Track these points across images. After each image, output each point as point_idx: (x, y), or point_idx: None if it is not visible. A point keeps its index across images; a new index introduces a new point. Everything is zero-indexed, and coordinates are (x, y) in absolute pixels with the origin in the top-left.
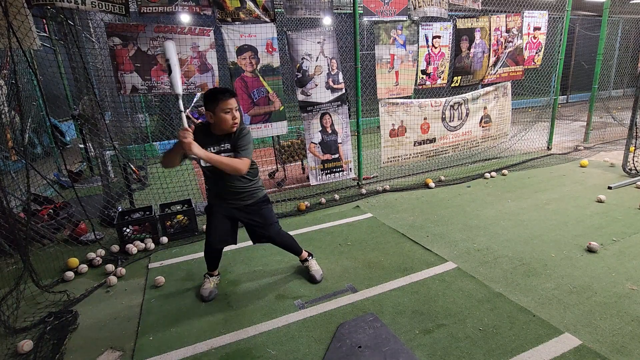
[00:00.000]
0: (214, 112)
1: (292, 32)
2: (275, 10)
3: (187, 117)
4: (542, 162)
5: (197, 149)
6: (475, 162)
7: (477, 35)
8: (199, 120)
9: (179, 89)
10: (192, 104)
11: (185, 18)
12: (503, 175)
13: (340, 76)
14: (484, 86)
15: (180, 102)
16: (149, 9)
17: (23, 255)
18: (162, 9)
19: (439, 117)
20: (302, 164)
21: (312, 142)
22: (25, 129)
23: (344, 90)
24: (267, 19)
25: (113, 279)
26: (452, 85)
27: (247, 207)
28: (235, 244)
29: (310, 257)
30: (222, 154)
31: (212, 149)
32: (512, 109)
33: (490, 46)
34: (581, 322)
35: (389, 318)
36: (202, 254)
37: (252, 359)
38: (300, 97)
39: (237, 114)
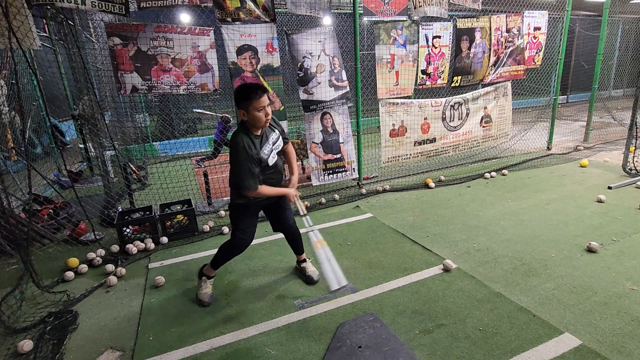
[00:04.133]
0: (247, 110)
1: (293, 32)
2: (275, 10)
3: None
4: (542, 162)
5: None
6: (475, 162)
7: (478, 35)
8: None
9: None
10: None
11: (185, 18)
12: (503, 175)
13: (344, 74)
14: (484, 86)
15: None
16: (149, 4)
17: (23, 255)
18: (162, 3)
19: (439, 117)
20: (302, 164)
21: (313, 142)
22: (26, 129)
23: (347, 88)
24: (267, 19)
25: (113, 279)
26: (452, 85)
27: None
28: None
29: (308, 259)
30: (277, 146)
31: (266, 150)
32: (513, 109)
33: (490, 46)
34: (581, 322)
35: (389, 318)
36: (202, 254)
37: (252, 359)
38: (303, 95)
39: (269, 110)
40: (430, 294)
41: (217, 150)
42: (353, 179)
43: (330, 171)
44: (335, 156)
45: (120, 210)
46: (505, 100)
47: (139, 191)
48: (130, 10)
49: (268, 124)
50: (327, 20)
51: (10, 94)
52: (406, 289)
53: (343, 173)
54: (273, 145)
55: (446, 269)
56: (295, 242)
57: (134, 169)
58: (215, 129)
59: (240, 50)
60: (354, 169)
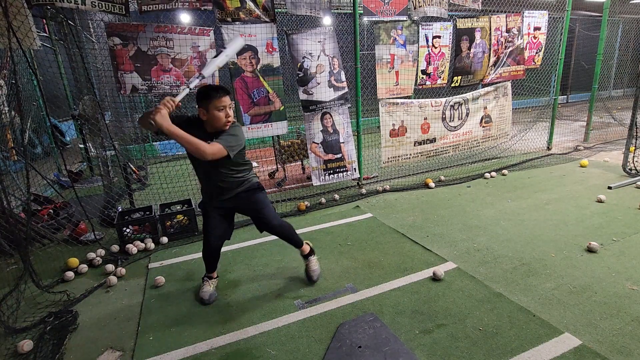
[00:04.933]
0: (207, 109)
1: (293, 33)
2: (275, 10)
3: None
4: (542, 162)
5: (160, 118)
6: (475, 162)
7: (478, 35)
8: None
9: (207, 72)
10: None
11: (185, 18)
12: (503, 175)
13: (343, 75)
14: (484, 86)
15: (197, 81)
16: (150, 7)
17: (23, 255)
18: (162, 7)
19: (439, 117)
20: (302, 164)
21: (313, 142)
22: (25, 129)
23: (346, 89)
24: (267, 19)
25: (113, 279)
26: (452, 85)
27: (240, 195)
28: (229, 239)
29: (312, 256)
30: None
31: None
32: (513, 109)
33: (490, 46)
34: (581, 322)
35: (389, 318)
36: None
37: (252, 359)
38: (303, 96)
39: (231, 112)
40: (430, 294)
41: None
42: (354, 179)
43: (331, 171)
44: (335, 156)
45: (120, 210)
46: (505, 100)
47: (139, 191)
48: (130, 10)
49: (227, 127)
50: (327, 20)
51: (10, 94)
52: (406, 289)
53: (344, 173)
54: None
55: (435, 278)
56: (287, 239)
57: (134, 169)
58: None
59: (240, 50)
60: (355, 168)
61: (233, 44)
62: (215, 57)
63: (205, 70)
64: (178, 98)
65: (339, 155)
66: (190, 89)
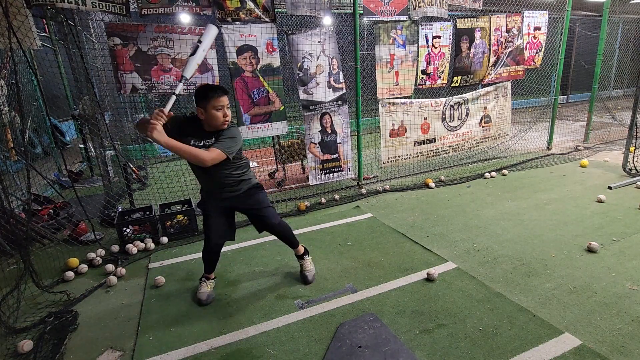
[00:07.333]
0: (205, 108)
1: (293, 33)
2: (275, 10)
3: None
4: (542, 162)
5: (157, 134)
6: (475, 162)
7: (477, 35)
8: None
9: (189, 73)
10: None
11: (185, 18)
12: (503, 175)
13: (341, 76)
14: (484, 86)
15: (181, 85)
16: (150, 11)
17: (23, 255)
18: (162, 10)
19: (439, 117)
20: (302, 164)
21: (312, 142)
22: (25, 129)
23: (344, 90)
24: (267, 19)
25: (113, 279)
26: (452, 85)
27: (240, 195)
28: (234, 239)
29: (307, 255)
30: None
31: (194, 142)
32: (512, 109)
33: (490, 46)
34: (581, 322)
35: (389, 318)
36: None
37: (252, 359)
38: (303, 95)
39: (229, 112)
40: (430, 294)
41: None
42: (351, 179)
43: (327, 171)
44: (332, 156)
45: (120, 210)
46: (505, 100)
47: (139, 191)
48: (130, 10)
49: (225, 127)
50: (327, 20)
51: (10, 94)
52: (406, 289)
53: (339, 172)
54: (197, 146)
55: (429, 279)
56: (285, 238)
57: (134, 169)
58: None
59: (240, 50)
60: (349, 168)
61: (207, 35)
62: (193, 54)
63: (186, 72)
64: (167, 108)
65: (335, 156)
66: (176, 95)
